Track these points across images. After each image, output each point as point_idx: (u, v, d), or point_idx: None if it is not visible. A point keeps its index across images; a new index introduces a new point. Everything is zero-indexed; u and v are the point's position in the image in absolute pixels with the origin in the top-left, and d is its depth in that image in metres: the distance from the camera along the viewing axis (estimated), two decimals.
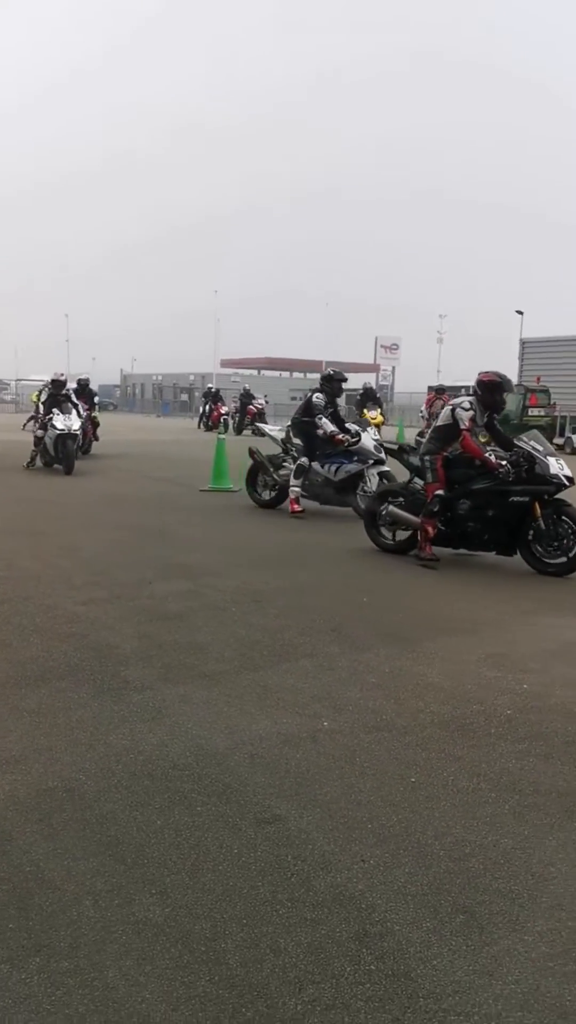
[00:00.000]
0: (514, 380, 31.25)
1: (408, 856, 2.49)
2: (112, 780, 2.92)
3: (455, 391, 34.70)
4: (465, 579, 6.62)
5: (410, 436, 22.20)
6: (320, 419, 9.52)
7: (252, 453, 10.23)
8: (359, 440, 9.32)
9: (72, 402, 13.66)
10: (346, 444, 9.34)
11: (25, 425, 19.21)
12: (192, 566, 6.57)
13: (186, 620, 5.02)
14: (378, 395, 24.10)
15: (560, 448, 23.74)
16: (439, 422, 7.29)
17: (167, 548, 7.33)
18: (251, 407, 28.42)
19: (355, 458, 9.31)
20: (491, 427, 7.29)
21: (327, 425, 9.44)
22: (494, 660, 4.43)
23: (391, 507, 7.36)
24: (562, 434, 24.53)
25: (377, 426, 21.64)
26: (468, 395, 7.19)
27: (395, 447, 8.30)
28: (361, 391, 23.44)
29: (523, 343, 33.17)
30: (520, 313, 39.12)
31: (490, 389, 7.09)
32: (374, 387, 24.59)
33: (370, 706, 3.69)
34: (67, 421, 13.19)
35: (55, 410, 13.30)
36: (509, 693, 3.92)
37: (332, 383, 9.91)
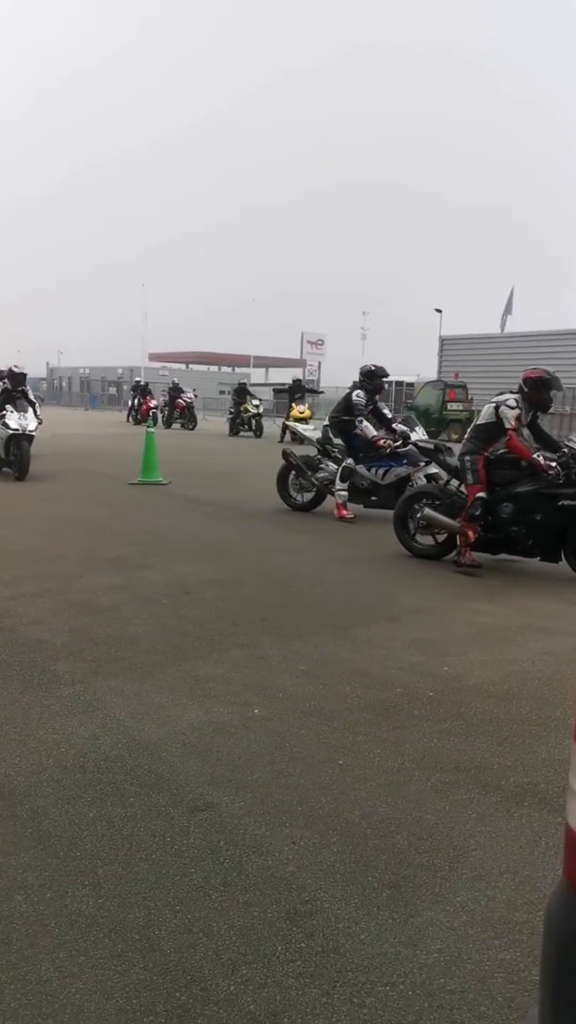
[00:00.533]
0: (433, 376, 32.26)
1: (337, 836, 2.57)
2: (43, 775, 2.91)
3: None
4: (390, 568, 6.77)
5: None
6: (360, 422, 8.85)
7: (286, 455, 9.50)
8: (408, 443, 8.64)
9: (29, 399, 12.06)
10: (389, 449, 8.68)
11: None
12: (122, 559, 6.53)
13: (117, 613, 5.00)
14: (308, 388, 24.25)
15: None
16: (480, 420, 6.84)
17: (97, 541, 7.25)
18: (180, 401, 28.29)
19: (404, 461, 8.63)
20: (534, 426, 6.82)
21: (367, 430, 8.80)
22: (418, 645, 4.56)
23: (427, 510, 6.87)
24: None
25: (304, 419, 21.89)
26: (513, 393, 6.70)
27: (430, 446, 7.86)
28: (289, 384, 23.58)
29: (442, 340, 34.21)
30: (439, 311, 40.06)
31: (537, 386, 6.61)
32: (303, 381, 24.78)
33: (300, 692, 3.77)
34: (22, 420, 11.53)
35: (8, 407, 11.69)
36: (431, 676, 4.06)
37: (373, 379, 9.13)
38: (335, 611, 5.23)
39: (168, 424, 28.10)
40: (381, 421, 9.10)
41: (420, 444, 8.36)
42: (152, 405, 28.89)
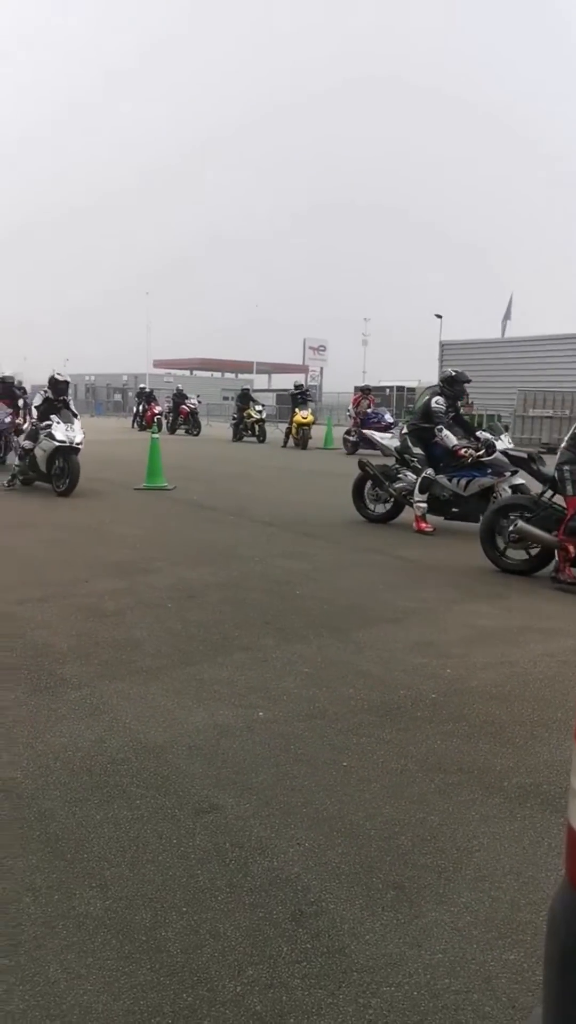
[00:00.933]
0: (434, 381, 32.49)
1: (341, 837, 2.59)
2: (50, 777, 2.93)
3: (380, 391, 35.64)
4: (392, 570, 6.78)
5: (338, 434, 22.57)
6: (440, 431, 8.43)
7: (363, 465, 9.14)
8: (493, 451, 8.12)
9: (71, 410, 11.19)
10: (471, 459, 8.22)
11: None
12: (128, 564, 6.56)
13: (122, 617, 5.03)
14: (309, 393, 24.37)
15: None
16: None
17: (102, 546, 7.29)
18: (184, 407, 28.43)
19: (489, 471, 8.16)
20: None
21: (448, 439, 8.37)
22: (420, 647, 4.58)
23: (521, 523, 6.46)
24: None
25: (307, 425, 21.97)
26: None
27: (524, 456, 7.30)
28: (294, 389, 23.72)
29: (442, 345, 34.52)
30: (439, 317, 40.27)
31: None
32: (304, 386, 24.91)
33: (304, 695, 3.79)
34: (69, 432, 10.63)
35: (53, 417, 10.83)
36: (434, 678, 4.07)
37: (454, 385, 8.77)
38: (338, 614, 5.25)
39: (172, 430, 28.22)
40: (464, 429, 8.68)
41: (511, 452, 7.81)
42: (157, 411, 29.00)
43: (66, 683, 3.87)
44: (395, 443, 9.26)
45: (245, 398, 25.99)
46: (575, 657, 4.48)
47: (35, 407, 11.40)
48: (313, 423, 22.57)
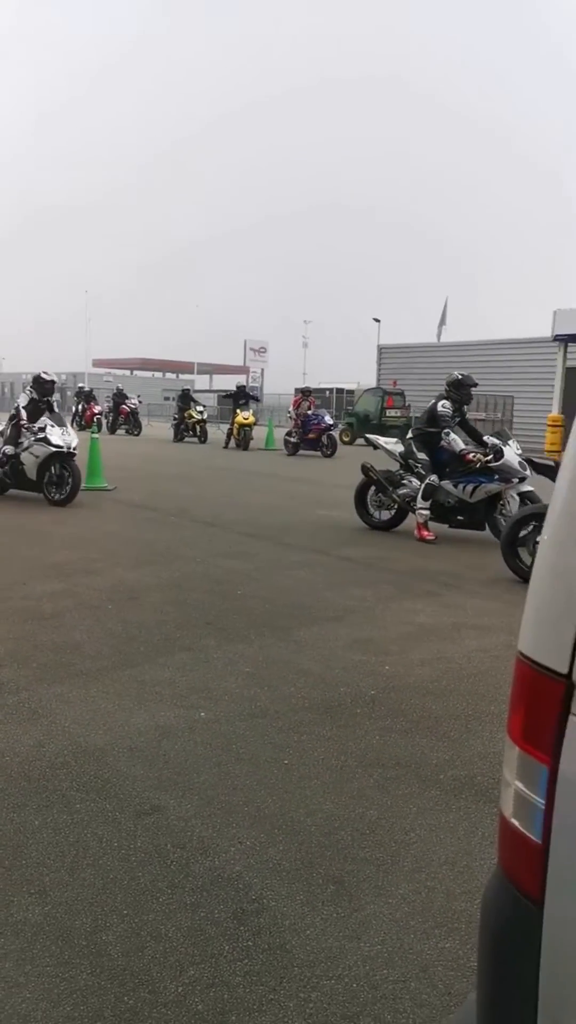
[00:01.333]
0: (372, 384, 32.97)
1: (282, 834, 2.62)
2: None
3: (320, 393, 35.85)
4: (332, 570, 6.85)
5: (279, 435, 22.66)
6: (448, 434, 8.16)
7: (366, 469, 8.74)
8: (501, 456, 7.73)
9: (57, 412, 10.43)
10: (479, 464, 7.88)
11: None
12: (67, 565, 6.47)
13: (61, 619, 4.96)
14: (251, 394, 24.36)
15: None
16: None
17: (40, 548, 7.17)
18: (124, 407, 28.11)
19: (496, 477, 7.83)
20: None
21: (455, 443, 8.11)
22: (359, 645, 4.65)
23: None
24: None
25: (248, 426, 21.98)
26: None
27: (550, 463, 7.07)
28: (234, 390, 23.73)
29: (380, 349, 35.03)
30: (377, 321, 40.85)
31: None
32: (246, 387, 24.91)
33: (245, 694, 3.81)
34: (66, 436, 9.86)
35: (46, 420, 9.99)
36: (373, 675, 4.14)
37: (461, 389, 8.40)
38: (279, 613, 5.28)
39: (113, 430, 27.91)
40: (470, 434, 8.40)
41: (536, 460, 7.45)
42: (96, 411, 28.64)
43: (3, 687, 3.80)
44: (399, 448, 8.91)
45: (186, 398, 25.86)
46: (507, 652, 4.60)
47: (22, 408, 10.27)
48: (254, 424, 22.60)
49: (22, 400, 10.39)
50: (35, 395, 10.39)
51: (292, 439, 20.99)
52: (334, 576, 6.49)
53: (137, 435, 27.13)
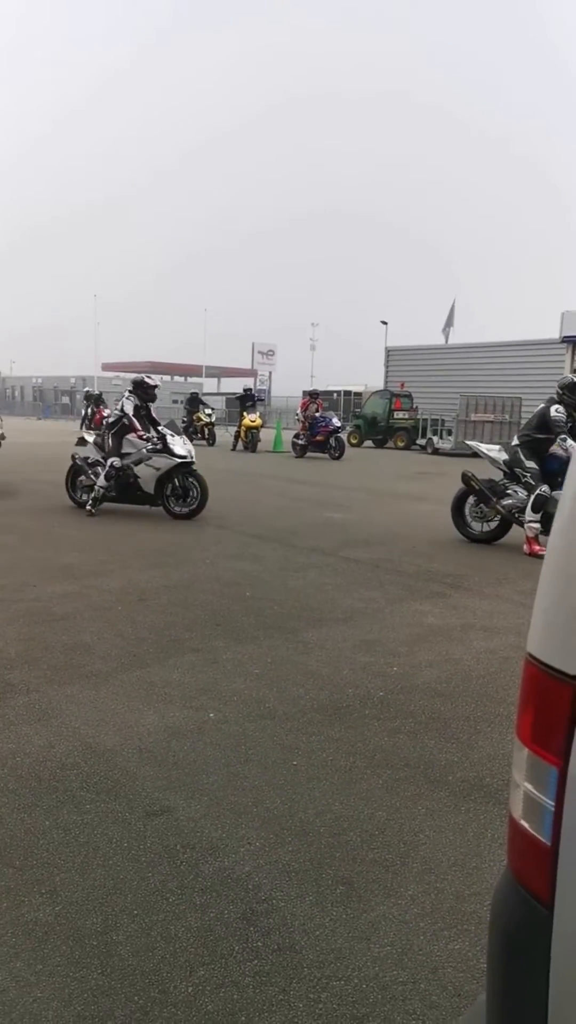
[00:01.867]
0: (380, 386, 32.95)
1: (291, 835, 2.63)
2: None
3: (328, 395, 35.86)
4: (339, 571, 6.85)
5: (287, 438, 22.66)
6: (564, 440, 7.60)
7: (467, 478, 8.24)
8: None
9: (155, 418, 9.74)
10: None
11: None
12: (77, 567, 6.49)
13: (71, 621, 4.98)
14: (257, 398, 24.44)
15: (423, 449, 25.27)
16: None
17: (51, 550, 7.20)
18: None
19: None
20: None
21: (573, 449, 7.25)
22: (367, 646, 4.65)
23: None
24: (424, 435, 26.02)
25: (256, 428, 22.02)
26: None
27: None
28: (241, 393, 23.81)
29: (388, 351, 35.03)
30: (385, 323, 40.78)
31: None
32: (253, 390, 24.98)
33: (254, 696, 3.81)
34: (187, 445, 9.35)
35: (164, 430, 9.39)
36: (381, 676, 4.14)
37: (575, 393, 7.80)
38: (287, 615, 5.29)
39: None
40: None
41: None
42: (105, 414, 28.58)
43: (14, 689, 3.82)
44: (503, 455, 8.32)
45: (195, 401, 25.94)
46: (515, 653, 4.60)
47: (132, 416, 9.51)
48: (261, 426, 22.64)
49: (127, 407, 9.55)
50: (137, 401, 9.66)
51: (300, 441, 21.02)
52: (342, 578, 6.49)
53: None
